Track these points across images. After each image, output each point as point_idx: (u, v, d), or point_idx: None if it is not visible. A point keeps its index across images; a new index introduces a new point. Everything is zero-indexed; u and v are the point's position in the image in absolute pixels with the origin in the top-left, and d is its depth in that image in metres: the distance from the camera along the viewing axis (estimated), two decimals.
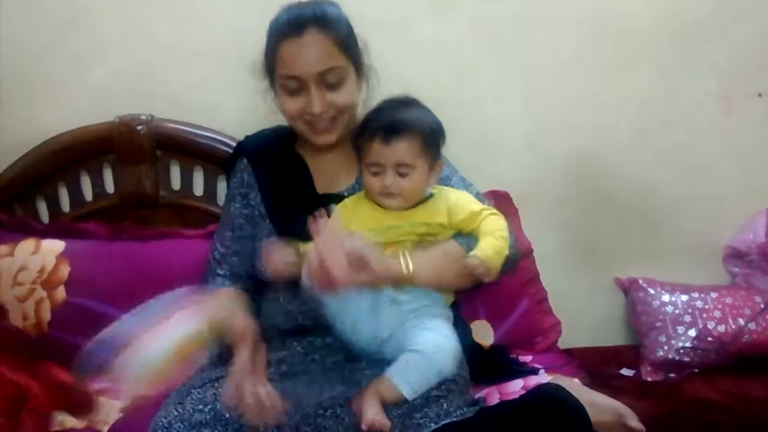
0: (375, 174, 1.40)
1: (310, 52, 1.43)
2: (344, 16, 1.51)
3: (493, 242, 1.37)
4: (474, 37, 2.03)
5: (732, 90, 2.12)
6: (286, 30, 1.45)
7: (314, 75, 1.43)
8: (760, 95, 2.13)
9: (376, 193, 1.40)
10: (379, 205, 1.42)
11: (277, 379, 1.40)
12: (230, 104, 1.98)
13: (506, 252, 1.39)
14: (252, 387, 1.28)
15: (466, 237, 1.43)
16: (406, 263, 1.35)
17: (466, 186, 1.58)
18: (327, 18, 1.46)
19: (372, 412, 1.26)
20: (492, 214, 1.43)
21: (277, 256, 1.38)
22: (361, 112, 1.52)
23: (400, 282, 1.35)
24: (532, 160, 2.11)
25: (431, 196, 1.44)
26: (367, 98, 1.55)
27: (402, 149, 1.36)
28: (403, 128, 1.37)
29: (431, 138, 1.40)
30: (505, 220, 1.44)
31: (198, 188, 2.01)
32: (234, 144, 1.87)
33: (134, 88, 1.97)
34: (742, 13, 2.08)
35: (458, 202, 1.43)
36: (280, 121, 1.61)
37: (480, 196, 1.56)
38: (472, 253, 1.36)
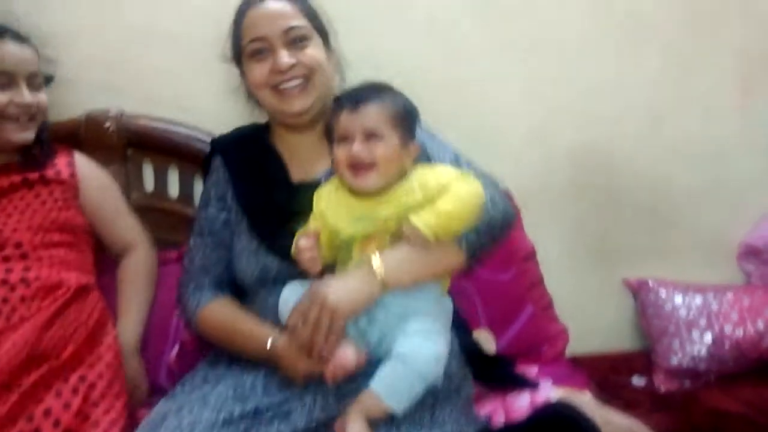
0: (343, 145, 1.34)
1: (273, 13, 1.50)
2: None
3: (438, 205, 1.30)
4: (471, 16, 1.97)
5: (750, 74, 2.05)
6: (247, 1, 1.54)
7: (279, 33, 1.49)
8: None
9: (344, 165, 1.34)
10: (350, 189, 1.36)
11: (263, 391, 1.35)
12: (207, 97, 1.91)
13: (461, 213, 1.31)
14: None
15: None
16: (379, 269, 1.30)
17: (442, 148, 1.53)
18: None
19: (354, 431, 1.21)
20: (460, 180, 1.34)
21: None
22: None
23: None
24: (536, 152, 2.05)
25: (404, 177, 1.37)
26: (341, 84, 1.56)
27: (370, 115, 1.33)
28: (372, 96, 1.35)
29: (402, 112, 1.36)
30: (476, 183, 1.36)
31: (173, 190, 1.93)
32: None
33: (103, 79, 1.89)
34: None
35: (428, 176, 1.35)
36: (259, 115, 1.61)
37: (458, 159, 1.51)
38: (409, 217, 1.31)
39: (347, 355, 1.27)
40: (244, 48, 1.52)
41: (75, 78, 1.86)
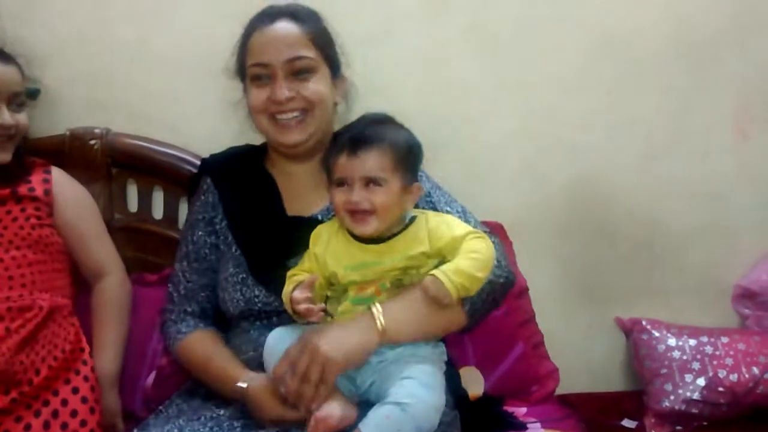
0: (342, 190, 1.30)
1: (279, 39, 1.44)
2: (320, 18, 1.51)
3: (460, 262, 1.26)
4: (466, 50, 1.93)
5: (748, 112, 2.01)
6: (257, 21, 1.48)
7: (282, 62, 1.42)
8: None
9: (342, 210, 1.29)
10: (351, 234, 1.31)
11: (239, 430, 1.30)
12: (197, 117, 1.88)
13: (480, 274, 1.27)
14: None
15: None
16: (379, 320, 1.25)
17: (449, 202, 1.49)
18: (300, 13, 1.48)
19: None
20: (476, 237, 1.30)
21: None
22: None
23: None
24: (529, 187, 2.00)
25: (411, 221, 1.32)
26: (346, 112, 1.53)
27: (371, 162, 1.28)
28: (373, 140, 1.29)
29: (405, 154, 1.31)
30: (491, 243, 1.33)
31: (157, 211, 1.88)
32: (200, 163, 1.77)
33: (88, 96, 1.85)
34: (759, 28, 1.98)
35: (439, 227, 1.31)
36: (252, 137, 1.57)
37: (466, 214, 1.47)
38: (430, 272, 1.25)
39: (333, 412, 1.20)
40: (247, 69, 1.47)
41: (60, 95, 1.82)
